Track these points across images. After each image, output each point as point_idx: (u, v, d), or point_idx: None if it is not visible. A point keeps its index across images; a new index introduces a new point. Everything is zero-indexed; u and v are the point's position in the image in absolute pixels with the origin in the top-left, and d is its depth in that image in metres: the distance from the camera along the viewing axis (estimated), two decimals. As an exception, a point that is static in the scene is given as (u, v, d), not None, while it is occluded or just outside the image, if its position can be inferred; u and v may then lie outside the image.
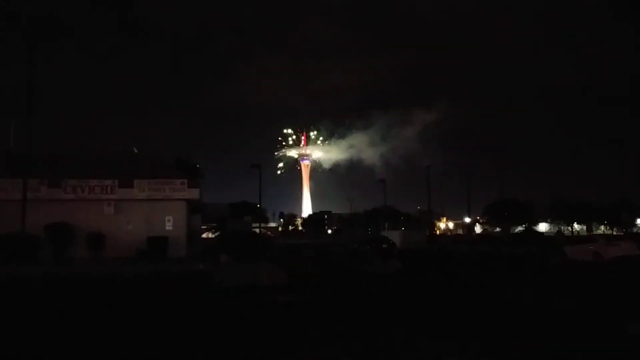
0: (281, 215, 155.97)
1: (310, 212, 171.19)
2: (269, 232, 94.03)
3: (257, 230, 45.44)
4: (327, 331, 8.95)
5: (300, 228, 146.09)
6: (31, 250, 26.07)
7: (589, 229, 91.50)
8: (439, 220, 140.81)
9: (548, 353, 7.35)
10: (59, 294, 15.25)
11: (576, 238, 35.20)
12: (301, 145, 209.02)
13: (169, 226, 30.56)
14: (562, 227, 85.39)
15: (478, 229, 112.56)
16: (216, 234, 69.69)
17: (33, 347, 8.14)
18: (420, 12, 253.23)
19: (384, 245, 34.25)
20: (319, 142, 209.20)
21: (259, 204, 47.59)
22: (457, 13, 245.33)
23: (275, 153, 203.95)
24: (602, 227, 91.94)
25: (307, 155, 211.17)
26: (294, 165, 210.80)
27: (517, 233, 67.52)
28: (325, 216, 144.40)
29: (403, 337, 8.43)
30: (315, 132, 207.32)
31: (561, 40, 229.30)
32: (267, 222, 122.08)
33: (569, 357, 7.20)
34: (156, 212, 30.53)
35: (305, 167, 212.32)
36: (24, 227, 25.55)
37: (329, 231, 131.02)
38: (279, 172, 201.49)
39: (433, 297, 13.45)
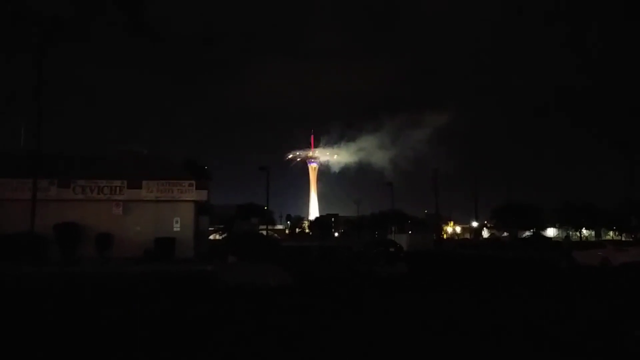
0: (288, 217, 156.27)
1: (317, 215, 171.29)
2: (275, 234, 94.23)
3: (264, 232, 45.54)
4: (325, 335, 8.99)
5: (307, 230, 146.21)
6: (40, 250, 26.27)
7: (597, 234, 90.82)
8: (447, 224, 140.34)
9: (554, 355, 7.35)
10: (66, 293, 15.37)
11: (584, 243, 34.97)
12: (310, 147, 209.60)
13: (176, 227, 30.70)
14: (571, 233, 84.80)
15: (485, 233, 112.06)
16: (223, 236, 69.91)
17: (40, 344, 8.23)
18: (429, 16, 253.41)
19: (391, 249, 34.19)
20: (327, 145, 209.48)
21: (266, 206, 47.71)
22: (466, 16, 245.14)
23: (291, 156, 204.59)
24: (611, 233, 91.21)
25: (314, 158, 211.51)
26: (303, 165, 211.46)
27: (524, 238, 67.30)
28: (332, 219, 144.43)
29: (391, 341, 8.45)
30: (325, 137, 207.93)
31: (569, 43, 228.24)
32: (274, 224, 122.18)
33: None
34: (164, 213, 30.69)
35: (312, 169, 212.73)
36: (33, 226, 25.76)
37: (336, 234, 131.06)
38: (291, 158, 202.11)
39: (437, 303, 13.43)
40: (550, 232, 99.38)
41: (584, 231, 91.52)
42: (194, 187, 31.41)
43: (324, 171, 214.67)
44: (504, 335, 8.64)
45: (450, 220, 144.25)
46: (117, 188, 30.54)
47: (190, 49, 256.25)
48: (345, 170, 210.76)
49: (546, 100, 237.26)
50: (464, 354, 7.48)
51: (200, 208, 34.15)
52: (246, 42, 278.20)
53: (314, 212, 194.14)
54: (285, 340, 8.42)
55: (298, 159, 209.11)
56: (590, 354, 7.45)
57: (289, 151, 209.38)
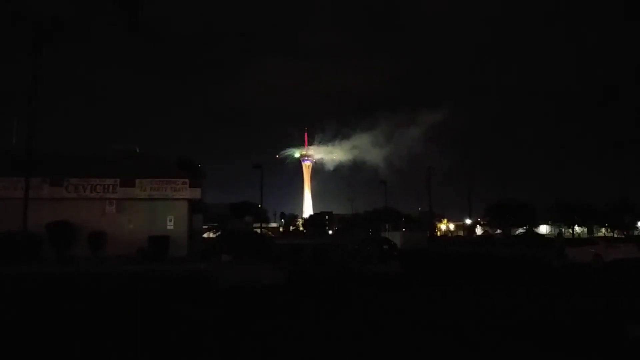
0: (282, 215, 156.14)
1: (311, 213, 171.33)
2: (270, 233, 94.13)
3: (258, 231, 45.46)
4: (319, 331, 9.01)
5: (301, 228, 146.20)
6: (33, 249, 26.09)
7: (589, 231, 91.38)
8: (440, 221, 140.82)
9: (550, 355, 7.38)
10: (60, 293, 15.31)
11: (576, 240, 35.11)
12: (303, 145, 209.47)
13: (170, 226, 30.60)
14: (563, 229, 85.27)
15: (479, 230, 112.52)
16: (217, 234, 69.75)
17: (35, 345, 8.20)
18: (429, 16, 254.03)
19: (385, 246, 34.24)
20: (322, 143, 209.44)
21: (260, 204, 47.57)
22: (466, 16, 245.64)
23: (277, 156, 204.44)
24: (603, 230, 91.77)
25: (308, 155, 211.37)
26: (297, 163, 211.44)
27: (518, 235, 67.61)
28: (326, 217, 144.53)
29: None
30: (320, 135, 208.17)
31: (567, 43, 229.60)
32: (268, 222, 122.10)
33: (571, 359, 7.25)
34: (158, 212, 30.57)
35: (306, 167, 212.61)
36: (26, 225, 25.58)
37: (330, 232, 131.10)
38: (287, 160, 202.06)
39: (430, 303, 13.49)
40: (543, 229, 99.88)
41: (577, 228, 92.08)
42: (188, 185, 31.28)
43: (318, 169, 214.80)
44: (502, 335, 8.65)
45: (443, 218, 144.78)
46: (110, 186, 30.37)
47: (190, 49, 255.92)
48: (339, 168, 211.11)
49: (542, 100, 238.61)
50: (456, 353, 7.51)
51: (194, 206, 34.06)
52: (246, 42, 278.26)
53: (308, 210, 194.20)
54: (283, 339, 8.43)
55: (288, 160, 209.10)
56: (588, 354, 7.47)
57: (283, 149, 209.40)
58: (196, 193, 32.03)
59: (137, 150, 35.66)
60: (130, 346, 8.02)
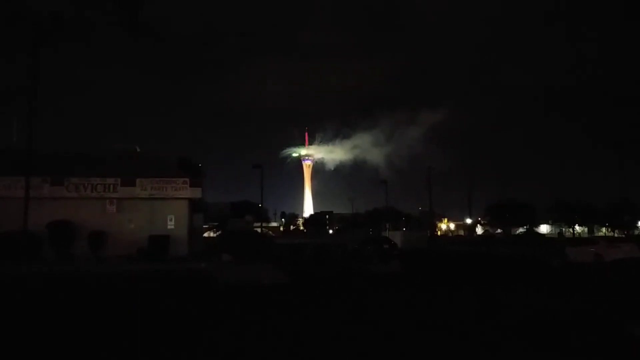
0: (282, 214, 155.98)
1: (312, 212, 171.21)
2: (270, 232, 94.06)
3: (259, 230, 45.45)
4: (320, 331, 9.02)
5: (301, 228, 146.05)
6: (33, 249, 26.07)
7: (590, 231, 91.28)
8: (441, 221, 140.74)
9: (550, 355, 7.38)
10: (59, 293, 15.32)
11: (577, 240, 35.10)
12: (304, 145, 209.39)
13: (170, 225, 30.58)
14: (564, 229, 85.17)
15: (479, 230, 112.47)
16: (218, 233, 69.69)
17: (35, 345, 8.21)
18: (429, 16, 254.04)
19: (385, 246, 34.27)
20: (322, 142, 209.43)
21: (261, 204, 47.57)
22: (466, 16, 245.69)
23: (279, 156, 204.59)
24: (604, 229, 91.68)
25: (309, 155, 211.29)
26: (298, 162, 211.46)
27: (518, 234, 67.54)
28: (327, 216, 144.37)
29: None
30: (320, 134, 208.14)
31: (567, 42, 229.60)
32: (268, 221, 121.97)
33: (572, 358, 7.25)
34: (158, 211, 30.55)
35: (307, 167, 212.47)
36: (26, 225, 25.57)
37: (330, 231, 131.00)
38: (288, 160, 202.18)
39: (430, 301, 13.48)
40: (544, 228, 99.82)
41: (577, 227, 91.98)
42: (188, 185, 31.27)
43: (319, 168, 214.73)
44: (502, 335, 8.65)
45: (444, 218, 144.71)
46: (111, 186, 30.37)
47: (190, 49, 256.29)
48: (340, 168, 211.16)
49: (542, 99, 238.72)
50: (457, 353, 7.51)
51: (195, 206, 34.05)
52: (246, 42, 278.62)
53: (308, 209, 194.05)
54: (283, 339, 8.43)
55: (288, 160, 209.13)
56: (588, 354, 7.46)
57: (283, 149, 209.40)
58: (196, 192, 32.02)
59: (138, 150, 35.66)
60: (130, 346, 8.03)
